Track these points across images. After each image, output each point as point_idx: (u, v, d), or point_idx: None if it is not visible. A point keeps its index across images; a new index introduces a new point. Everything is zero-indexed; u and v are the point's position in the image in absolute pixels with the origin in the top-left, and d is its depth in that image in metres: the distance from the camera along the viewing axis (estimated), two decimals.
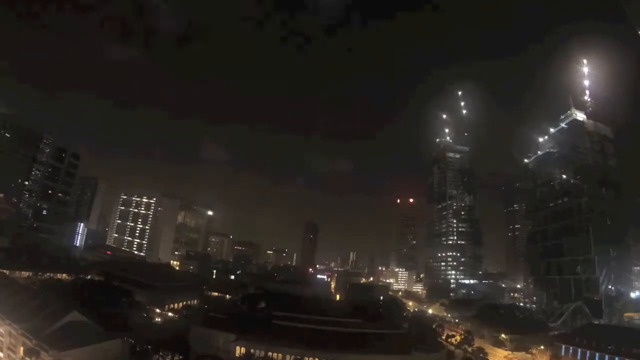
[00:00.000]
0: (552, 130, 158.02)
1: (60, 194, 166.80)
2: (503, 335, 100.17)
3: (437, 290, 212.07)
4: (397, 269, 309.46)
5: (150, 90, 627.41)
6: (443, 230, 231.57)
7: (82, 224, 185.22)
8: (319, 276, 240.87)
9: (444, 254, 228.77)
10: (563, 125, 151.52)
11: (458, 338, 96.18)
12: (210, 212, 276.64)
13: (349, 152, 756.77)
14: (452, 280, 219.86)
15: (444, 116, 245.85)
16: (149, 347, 59.20)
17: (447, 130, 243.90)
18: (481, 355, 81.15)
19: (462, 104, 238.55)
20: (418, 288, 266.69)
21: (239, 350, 63.19)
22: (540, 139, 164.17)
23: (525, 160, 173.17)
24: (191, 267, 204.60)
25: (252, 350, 62.33)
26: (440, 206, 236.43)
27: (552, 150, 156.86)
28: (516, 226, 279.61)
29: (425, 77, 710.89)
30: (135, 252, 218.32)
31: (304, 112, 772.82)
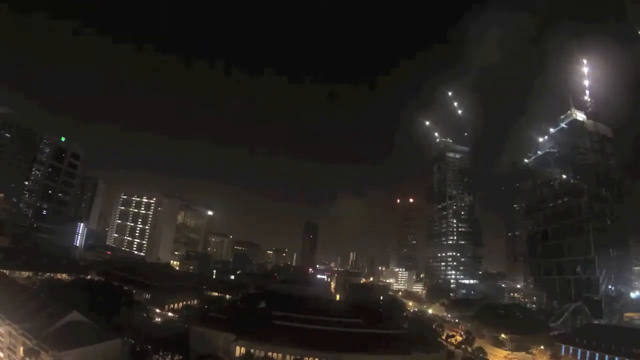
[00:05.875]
0: (552, 130, 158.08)
1: (60, 194, 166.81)
2: (503, 335, 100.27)
3: (437, 290, 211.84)
4: (397, 269, 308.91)
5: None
6: (443, 230, 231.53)
7: (82, 224, 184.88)
8: (318, 276, 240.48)
9: (444, 254, 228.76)
10: (563, 125, 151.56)
11: (458, 338, 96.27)
12: (210, 212, 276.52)
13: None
14: (452, 280, 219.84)
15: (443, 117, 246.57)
16: (149, 347, 59.19)
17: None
18: (481, 355, 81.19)
19: (459, 104, 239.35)
20: (418, 288, 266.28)
21: (239, 350, 63.13)
22: (540, 139, 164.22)
23: (525, 160, 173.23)
24: (191, 267, 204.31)
25: (252, 350, 62.24)
26: (440, 206, 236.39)
27: (552, 150, 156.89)
28: (516, 226, 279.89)
29: (423, 79, 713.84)
30: (135, 252, 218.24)
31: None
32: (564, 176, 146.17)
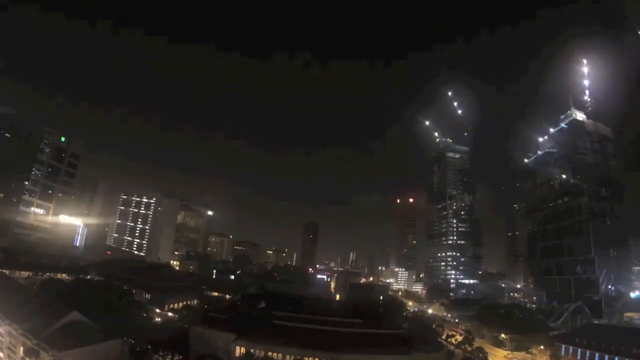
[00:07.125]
0: (552, 130, 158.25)
1: (60, 194, 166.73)
2: (503, 335, 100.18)
3: (437, 290, 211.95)
4: (397, 269, 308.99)
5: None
6: (443, 230, 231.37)
7: (82, 224, 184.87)
8: (318, 276, 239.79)
9: (444, 254, 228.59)
10: (563, 125, 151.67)
11: (458, 338, 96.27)
12: (210, 212, 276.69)
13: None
14: (452, 280, 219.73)
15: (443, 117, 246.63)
16: (149, 347, 59.17)
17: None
18: (481, 355, 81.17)
19: (459, 104, 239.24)
20: (418, 288, 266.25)
21: (239, 350, 63.14)
22: (540, 139, 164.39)
23: (525, 160, 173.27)
24: (191, 267, 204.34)
25: (252, 350, 62.26)
26: (440, 206, 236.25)
27: (552, 150, 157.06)
28: (516, 226, 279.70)
29: (423, 81, 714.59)
30: (135, 252, 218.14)
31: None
32: (564, 176, 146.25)
